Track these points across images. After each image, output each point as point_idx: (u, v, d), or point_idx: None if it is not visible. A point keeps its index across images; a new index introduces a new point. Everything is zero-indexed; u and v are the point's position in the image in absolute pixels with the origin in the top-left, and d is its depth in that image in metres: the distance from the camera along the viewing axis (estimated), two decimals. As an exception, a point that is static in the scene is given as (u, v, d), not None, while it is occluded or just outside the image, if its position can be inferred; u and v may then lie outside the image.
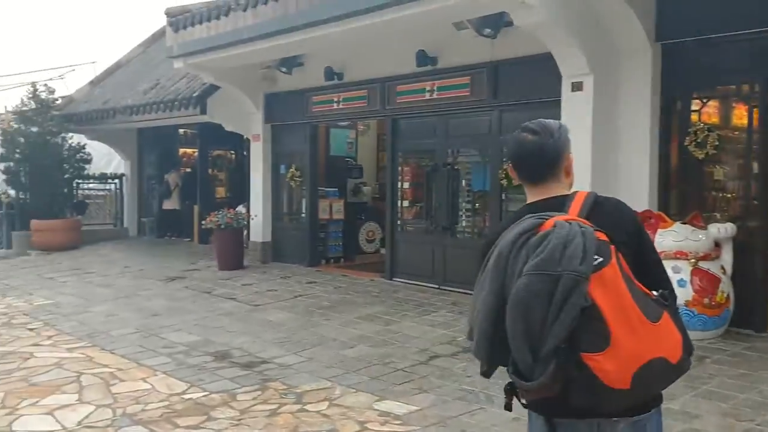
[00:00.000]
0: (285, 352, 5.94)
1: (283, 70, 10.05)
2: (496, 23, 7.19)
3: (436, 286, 8.31)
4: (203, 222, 10.61)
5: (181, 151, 15.91)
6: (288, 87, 10.39)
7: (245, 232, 10.93)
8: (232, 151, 14.86)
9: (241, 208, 11.24)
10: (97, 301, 8.32)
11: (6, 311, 7.81)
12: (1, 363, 5.67)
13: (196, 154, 15.30)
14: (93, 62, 20.80)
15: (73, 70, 21.24)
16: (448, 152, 8.49)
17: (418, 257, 8.66)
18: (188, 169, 15.25)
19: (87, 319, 7.34)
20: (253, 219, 10.82)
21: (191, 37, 9.38)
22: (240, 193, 13.19)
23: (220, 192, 14.87)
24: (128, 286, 9.23)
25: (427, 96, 8.39)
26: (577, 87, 6.56)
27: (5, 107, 22.25)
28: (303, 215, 10.54)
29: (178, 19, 9.63)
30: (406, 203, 9.09)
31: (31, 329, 6.91)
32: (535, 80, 7.18)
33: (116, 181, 15.50)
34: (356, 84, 9.35)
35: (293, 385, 5.07)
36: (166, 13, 9.92)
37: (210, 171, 14.46)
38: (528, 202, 1.94)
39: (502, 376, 1.80)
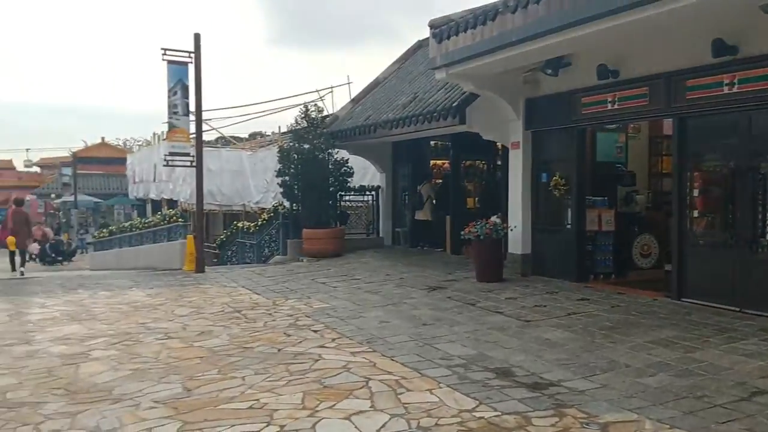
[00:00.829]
0: (572, 375, 5.41)
1: (548, 72, 9.56)
2: (823, -3, 5.95)
3: (737, 309, 7.14)
4: (462, 232, 10.49)
5: (432, 162, 16.21)
6: (552, 90, 9.88)
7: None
8: (484, 161, 14.73)
9: (495, 219, 10.93)
10: (368, 307, 8.56)
11: (291, 313, 8.36)
12: (296, 363, 5.95)
13: (446, 165, 15.49)
14: (349, 83, 22.37)
15: (331, 91, 22.77)
16: (753, 154, 7.25)
17: (714, 275, 7.52)
18: (439, 181, 15.47)
19: (362, 324, 7.54)
20: (511, 230, 10.45)
21: (455, 46, 9.34)
22: (491, 203, 12.96)
23: (470, 202, 14.81)
24: (394, 294, 9.41)
25: (726, 90, 7.26)
26: None
27: (279, 127, 25.09)
28: (568, 226, 9.86)
29: (442, 30, 9.66)
30: (695, 213, 7.97)
31: (314, 331, 7.27)
32: None
33: (373, 193, 16.27)
34: (635, 81, 8.50)
35: (593, 413, 4.53)
36: (429, 25, 10.02)
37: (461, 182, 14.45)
38: None
39: None
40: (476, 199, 14.72)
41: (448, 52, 9.54)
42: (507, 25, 8.18)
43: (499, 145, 12.74)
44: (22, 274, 15.01)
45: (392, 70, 16.97)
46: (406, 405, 4.77)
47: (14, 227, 15.37)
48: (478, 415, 4.56)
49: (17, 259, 15.40)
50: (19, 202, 16.65)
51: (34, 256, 24.14)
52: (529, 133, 10.49)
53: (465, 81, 10.06)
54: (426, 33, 10.34)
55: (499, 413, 4.57)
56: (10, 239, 15.18)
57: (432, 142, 15.45)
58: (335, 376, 5.51)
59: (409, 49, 17.39)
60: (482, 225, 10.10)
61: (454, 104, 10.95)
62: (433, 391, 5.09)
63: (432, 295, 9.28)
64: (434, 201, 14.68)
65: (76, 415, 4.70)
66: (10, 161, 65.56)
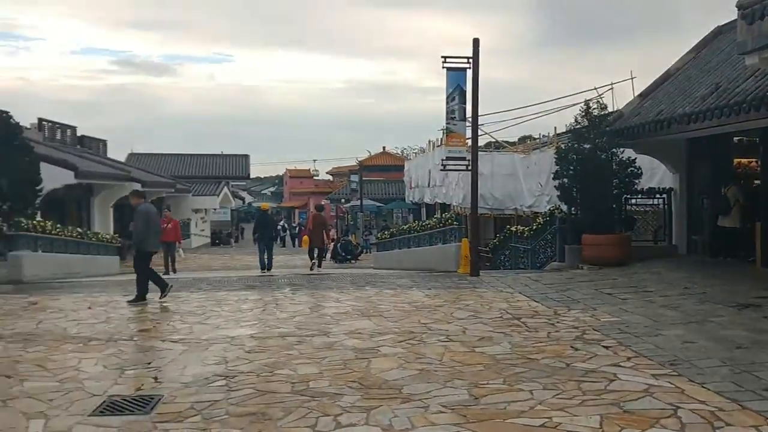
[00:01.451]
0: None
1: None
2: None
3: None
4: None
5: (736, 161, 14.15)
6: None
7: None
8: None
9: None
10: (666, 323, 7.61)
11: (576, 325, 7.79)
12: (588, 381, 5.43)
13: (753, 164, 13.38)
14: (632, 78, 20.45)
15: (611, 88, 21.29)
16: None
17: None
18: (744, 182, 13.40)
19: (662, 342, 6.68)
20: None
21: (773, 24, 7.90)
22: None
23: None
24: (696, 311, 8.26)
25: None
26: None
27: (555, 128, 24.29)
28: None
29: (754, 10, 8.30)
30: None
31: (606, 347, 6.62)
32: None
33: (663, 196, 14.73)
34: None
35: None
36: (737, 6, 8.67)
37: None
38: None
39: None
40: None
41: (762, 34, 8.14)
42: None
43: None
44: (319, 266, 17.27)
45: (686, 61, 15.21)
46: (729, 443, 3.99)
47: (312, 229, 17.72)
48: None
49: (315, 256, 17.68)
50: (320, 208, 19.53)
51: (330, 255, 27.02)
52: None
53: (786, 64, 8.49)
54: (721, 19, 8.98)
55: None
56: (305, 239, 17.70)
57: (736, 138, 13.45)
58: (636, 400, 4.88)
59: (706, 36, 15.46)
60: (811, 233, 8.40)
61: (769, 92, 9.31)
62: (760, 427, 4.23)
63: (744, 313, 7.95)
64: (744, 206, 12.70)
65: (370, 411, 4.80)
66: (308, 170, 74.85)
